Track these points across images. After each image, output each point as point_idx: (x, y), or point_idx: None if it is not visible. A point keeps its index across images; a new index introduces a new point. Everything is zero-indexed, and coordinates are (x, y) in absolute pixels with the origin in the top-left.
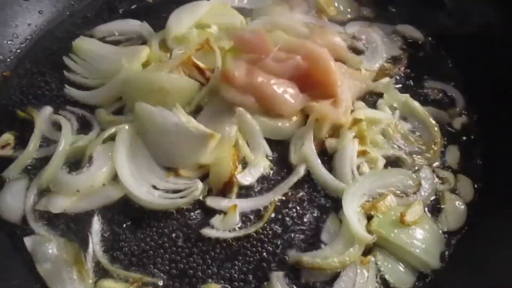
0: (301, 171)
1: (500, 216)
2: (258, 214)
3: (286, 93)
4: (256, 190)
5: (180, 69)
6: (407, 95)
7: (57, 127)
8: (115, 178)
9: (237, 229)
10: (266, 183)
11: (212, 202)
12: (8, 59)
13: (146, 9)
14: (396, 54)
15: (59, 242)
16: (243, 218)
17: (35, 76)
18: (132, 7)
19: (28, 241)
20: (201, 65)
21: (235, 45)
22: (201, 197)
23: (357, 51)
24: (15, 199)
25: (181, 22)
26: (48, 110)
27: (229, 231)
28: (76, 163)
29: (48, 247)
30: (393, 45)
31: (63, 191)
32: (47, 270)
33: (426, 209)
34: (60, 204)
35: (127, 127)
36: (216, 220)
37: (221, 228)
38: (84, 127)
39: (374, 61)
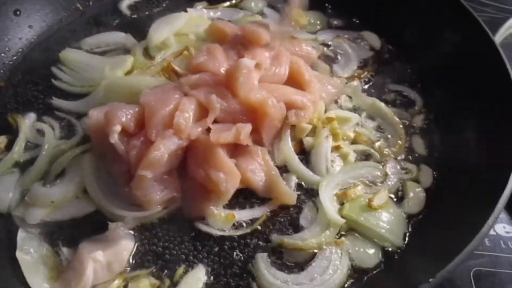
0: (292, 185)
1: (453, 200)
2: (248, 222)
3: None
4: (251, 199)
5: (160, 74)
6: (374, 98)
7: (42, 133)
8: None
9: (226, 230)
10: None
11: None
12: (2, 71)
13: (130, 23)
14: (366, 57)
15: (43, 248)
16: (235, 223)
17: (28, 86)
18: (117, 21)
19: (21, 233)
20: (179, 70)
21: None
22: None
23: (331, 59)
24: (4, 191)
25: (161, 31)
26: (32, 117)
27: (219, 230)
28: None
29: (33, 247)
30: (361, 51)
31: (39, 203)
32: (25, 260)
33: (392, 195)
34: (36, 215)
35: None
36: (212, 220)
37: (215, 227)
38: (68, 133)
39: (348, 69)
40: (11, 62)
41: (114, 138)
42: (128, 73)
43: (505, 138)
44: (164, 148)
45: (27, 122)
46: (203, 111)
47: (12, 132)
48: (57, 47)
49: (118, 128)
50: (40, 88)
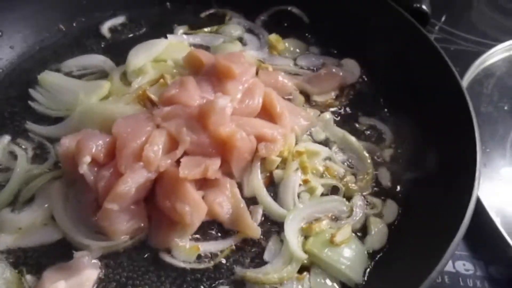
0: (258, 218)
1: (414, 236)
2: (212, 254)
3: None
4: (217, 231)
5: (136, 102)
6: (344, 131)
7: (15, 155)
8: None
9: (190, 262)
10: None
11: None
12: None
13: (111, 46)
14: (343, 85)
15: (8, 274)
16: (200, 255)
17: (4, 107)
18: (98, 44)
19: None
20: (154, 97)
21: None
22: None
23: (310, 82)
24: None
25: (139, 57)
26: (6, 139)
27: (183, 262)
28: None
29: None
30: (338, 79)
31: (6, 229)
32: None
33: (356, 231)
34: (3, 241)
35: None
36: (177, 251)
37: (179, 259)
38: (41, 157)
39: (324, 95)
40: None
41: (83, 169)
42: (105, 98)
43: (462, 178)
44: (132, 182)
45: (0, 144)
46: (173, 143)
47: None
48: (37, 68)
49: (87, 159)
50: (17, 109)
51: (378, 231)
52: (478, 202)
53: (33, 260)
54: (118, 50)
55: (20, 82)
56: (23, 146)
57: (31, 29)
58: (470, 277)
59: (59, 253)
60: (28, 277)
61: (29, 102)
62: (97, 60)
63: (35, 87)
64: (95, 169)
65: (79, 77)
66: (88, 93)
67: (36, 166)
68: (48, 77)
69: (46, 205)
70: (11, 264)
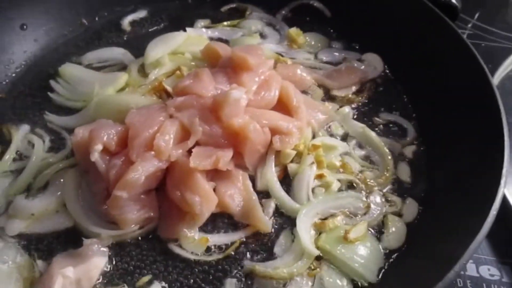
0: (270, 211)
1: (433, 237)
2: (221, 247)
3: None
4: (226, 223)
5: (151, 93)
6: (364, 125)
7: (32, 145)
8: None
9: (199, 254)
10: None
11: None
12: (4, 82)
13: (131, 39)
14: (364, 81)
15: (21, 259)
16: (209, 247)
17: (27, 98)
18: (118, 38)
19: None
20: (169, 88)
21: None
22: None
23: (330, 77)
24: None
25: (157, 49)
26: (25, 128)
27: (192, 254)
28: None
29: (10, 257)
30: (360, 74)
31: (20, 215)
32: (1, 269)
33: (372, 228)
34: (16, 226)
35: None
36: (186, 242)
37: (188, 250)
38: (58, 146)
39: (345, 89)
40: (13, 75)
41: (95, 157)
42: (122, 90)
43: (488, 177)
44: (142, 170)
45: (20, 133)
46: (185, 134)
47: (5, 143)
48: (59, 61)
49: (99, 147)
50: (38, 100)
51: (396, 229)
52: (506, 203)
53: (44, 246)
54: (138, 44)
55: (42, 74)
56: (40, 136)
57: (55, 23)
58: (495, 283)
59: (70, 240)
60: (39, 262)
61: (49, 93)
62: (117, 52)
63: (56, 79)
64: (107, 157)
65: (99, 69)
66: (105, 84)
67: (51, 154)
68: (68, 68)
69: (58, 193)
70: (23, 249)
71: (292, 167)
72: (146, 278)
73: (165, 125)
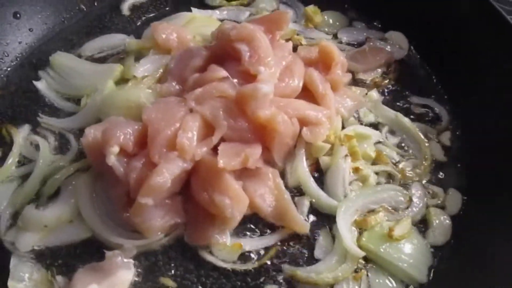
0: (304, 210)
1: (483, 228)
2: (257, 252)
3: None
4: (260, 226)
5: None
6: (397, 112)
7: (36, 146)
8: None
9: (233, 262)
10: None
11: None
12: None
13: (133, 25)
14: (389, 62)
15: (38, 275)
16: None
17: (26, 94)
18: (120, 24)
19: (14, 259)
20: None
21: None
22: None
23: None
24: None
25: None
26: (26, 128)
27: (225, 261)
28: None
29: (27, 274)
30: (385, 54)
31: (31, 227)
32: None
33: (415, 224)
34: (28, 241)
35: None
36: (217, 249)
37: (220, 257)
38: (63, 147)
39: (371, 72)
40: (9, 69)
41: (111, 160)
42: (119, 81)
43: None
44: (168, 173)
45: (21, 135)
46: (208, 129)
47: (6, 145)
48: (58, 51)
49: (116, 149)
50: (37, 96)
51: (440, 223)
52: None
53: (61, 260)
54: (141, 29)
55: (40, 66)
56: (44, 136)
57: (51, 10)
58: None
59: (89, 253)
60: (59, 278)
61: (34, 82)
62: (118, 39)
63: (47, 70)
64: (125, 160)
65: (101, 59)
66: (102, 78)
67: (60, 157)
68: (60, 58)
69: (72, 201)
70: (39, 264)
71: (324, 160)
72: None
73: (186, 121)
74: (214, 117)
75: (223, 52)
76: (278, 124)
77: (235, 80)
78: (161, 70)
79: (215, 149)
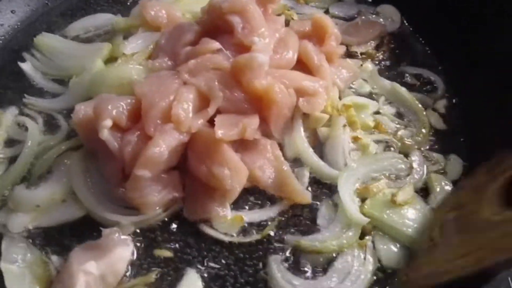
0: (305, 181)
1: None
2: (259, 224)
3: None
4: (260, 199)
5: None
6: (393, 82)
7: (24, 128)
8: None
9: (235, 235)
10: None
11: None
12: None
13: (122, 6)
14: (382, 35)
15: (32, 256)
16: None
17: (10, 77)
18: (108, 3)
19: (5, 241)
20: None
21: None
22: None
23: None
24: None
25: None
26: (12, 111)
27: (226, 234)
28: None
29: (20, 255)
30: (377, 27)
31: (23, 208)
32: (10, 270)
33: (417, 190)
34: (20, 222)
35: None
36: (218, 222)
37: (221, 230)
38: (52, 127)
39: (364, 45)
40: None
41: (105, 134)
42: (108, 60)
43: None
44: (165, 144)
45: (8, 117)
46: (203, 101)
47: None
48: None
49: (108, 122)
50: (22, 79)
51: (442, 189)
52: None
53: (56, 240)
54: (127, 10)
55: (24, 48)
56: (32, 117)
57: None
58: None
59: (85, 231)
60: (54, 257)
61: (19, 63)
62: (104, 19)
63: (30, 51)
64: (118, 134)
65: (87, 39)
66: (90, 57)
67: (49, 137)
68: (45, 39)
69: (64, 179)
70: (33, 245)
71: (322, 131)
72: (179, 265)
73: (181, 93)
74: (209, 88)
75: (215, 26)
76: (276, 94)
77: (229, 52)
78: (151, 47)
79: (211, 122)
